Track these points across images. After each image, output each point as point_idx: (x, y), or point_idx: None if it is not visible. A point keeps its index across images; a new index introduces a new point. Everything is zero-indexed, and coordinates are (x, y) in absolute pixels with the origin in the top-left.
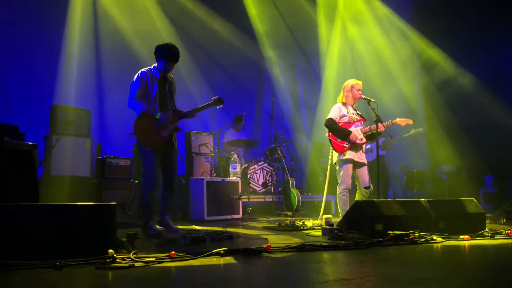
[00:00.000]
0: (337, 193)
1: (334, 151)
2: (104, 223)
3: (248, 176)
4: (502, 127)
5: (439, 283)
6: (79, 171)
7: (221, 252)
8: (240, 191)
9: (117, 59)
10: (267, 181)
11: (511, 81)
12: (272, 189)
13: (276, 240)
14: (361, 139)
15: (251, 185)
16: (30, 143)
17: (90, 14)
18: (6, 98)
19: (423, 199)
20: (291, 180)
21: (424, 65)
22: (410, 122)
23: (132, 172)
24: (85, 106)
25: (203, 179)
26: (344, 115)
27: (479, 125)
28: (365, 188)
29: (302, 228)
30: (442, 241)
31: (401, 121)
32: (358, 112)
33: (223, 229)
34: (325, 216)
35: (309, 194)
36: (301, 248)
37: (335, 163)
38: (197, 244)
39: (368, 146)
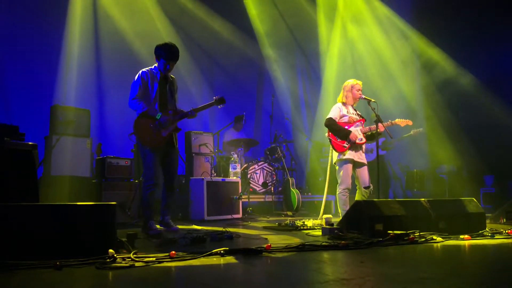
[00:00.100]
0: (337, 193)
1: (334, 151)
2: (104, 223)
3: (248, 176)
4: (502, 127)
5: (439, 283)
6: (79, 171)
7: (221, 252)
8: (240, 191)
9: (117, 59)
10: (267, 181)
11: (511, 81)
12: (272, 189)
13: (276, 240)
14: (361, 139)
15: (251, 185)
16: (30, 143)
17: (90, 14)
18: (6, 98)
19: (423, 199)
20: (291, 180)
21: (424, 65)
22: (410, 123)
23: (132, 172)
24: (85, 106)
25: (203, 179)
26: (344, 115)
27: (479, 125)
28: (365, 188)
29: (302, 228)
30: (442, 241)
31: (400, 121)
32: (358, 112)
33: (223, 229)
34: (325, 216)
35: (309, 194)
36: (301, 248)
37: (334, 163)
38: (197, 244)
39: (369, 146)
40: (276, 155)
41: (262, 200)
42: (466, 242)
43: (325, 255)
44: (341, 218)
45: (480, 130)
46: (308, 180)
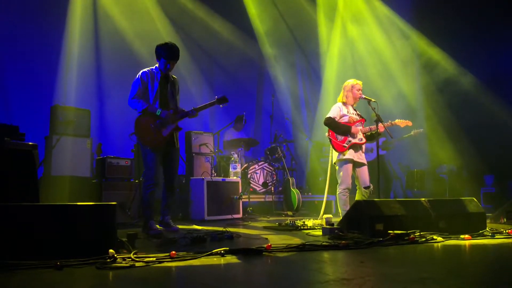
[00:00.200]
0: (337, 193)
1: (334, 150)
2: (105, 223)
3: (249, 176)
4: (503, 126)
5: (439, 283)
6: (79, 171)
7: (222, 252)
8: (240, 191)
9: (117, 59)
10: (268, 181)
11: (511, 80)
12: (273, 189)
13: (276, 240)
14: (361, 139)
15: (251, 185)
16: (30, 143)
17: (90, 14)
18: (6, 98)
19: (423, 199)
20: (292, 180)
21: (424, 65)
22: (410, 123)
23: (132, 172)
24: (85, 106)
25: (203, 179)
26: (344, 115)
27: (479, 125)
28: (365, 188)
29: (302, 228)
30: (443, 241)
31: (400, 122)
32: (358, 112)
33: (224, 229)
34: (325, 215)
35: (310, 193)
36: (301, 248)
37: (334, 163)
38: (198, 244)
39: (369, 145)
40: (276, 155)
41: (263, 200)
42: (467, 242)
43: (326, 255)
44: (341, 218)
45: (480, 129)
46: (308, 180)
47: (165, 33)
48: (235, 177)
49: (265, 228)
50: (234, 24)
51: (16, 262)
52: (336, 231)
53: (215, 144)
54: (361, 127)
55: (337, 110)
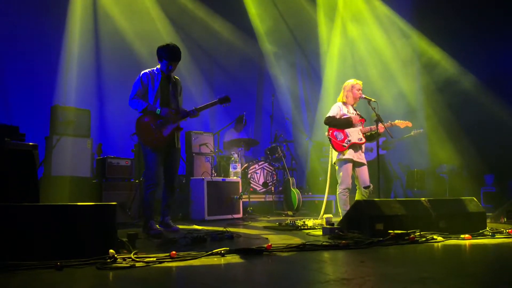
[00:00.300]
0: (337, 193)
1: (333, 150)
2: (105, 223)
3: (249, 175)
4: (503, 126)
5: (439, 283)
6: (79, 172)
7: (222, 252)
8: (240, 191)
9: (117, 59)
10: (268, 181)
11: (511, 80)
12: (273, 189)
13: (276, 239)
14: (361, 139)
15: (251, 184)
16: (30, 143)
17: (90, 14)
18: (6, 98)
19: (423, 199)
20: (292, 180)
21: (425, 64)
22: (409, 124)
23: (132, 172)
24: (85, 106)
25: (203, 179)
26: (344, 114)
27: (479, 124)
28: (364, 187)
29: (302, 227)
30: (443, 241)
31: (400, 123)
32: (358, 112)
33: (224, 229)
34: (325, 215)
35: (310, 193)
36: (301, 248)
37: (334, 163)
38: (198, 244)
39: (369, 145)
40: (277, 155)
41: (263, 200)
42: (467, 242)
43: (326, 254)
44: (341, 217)
45: (480, 129)
46: (309, 179)
47: (165, 33)
48: (235, 177)
49: (265, 228)
50: (234, 24)
51: (17, 262)
52: (336, 231)
53: (215, 144)
54: (361, 127)
55: (337, 109)
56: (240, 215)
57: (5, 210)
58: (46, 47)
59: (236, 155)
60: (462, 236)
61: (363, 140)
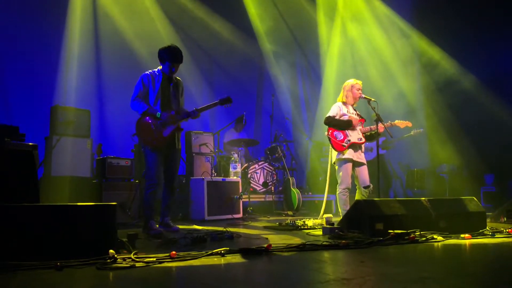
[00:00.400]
0: (337, 192)
1: (333, 150)
2: (105, 223)
3: (249, 175)
4: (503, 126)
5: (439, 283)
6: (79, 172)
7: (222, 252)
8: (240, 191)
9: (117, 59)
10: (268, 181)
11: (511, 80)
12: (273, 189)
13: (276, 239)
14: (360, 139)
15: (251, 184)
16: (30, 143)
17: (90, 14)
18: (6, 98)
19: (423, 198)
20: (292, 180)
21: (425, 64)
22: (409, 124)
23: (132, 172)
24: (85, 107)
25: (203, 179)
26: (344, 114)
27: (479, 124)
28: (364, 187)
29: (302, 227)
30: (443, 240)
31: (400, 123)
32: (358, 112)
33: (224, 229)
34: (325, 215)
35: (310, 193)
36: (301, 248)
37: (334, 163)
38: (198, 244)
39: (369, 144)
40: (277, 155)
41: (263, 199)
42: (467, 241)
43: (326, 254)
44: (341, 217)
45: (480, 129)
46: (309, 179)
47: (165, 33)
48: (235, 177)
49: (265, 228)
50: (234, 24)
51: (17, 262)
52: (336, 230)
53: (215, 144)
54: (360, 127)
55: (337, 109)
56: (240, 215)
57: (5, 210)
58: (46, 47)
59: (236, 155)
60: (462, 235)
61: (363, 140)
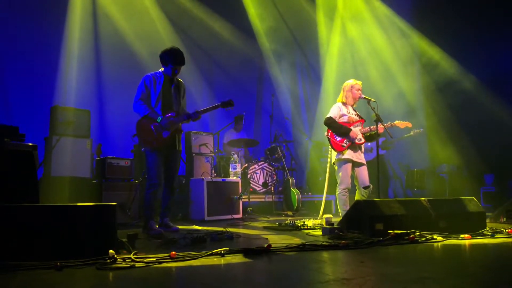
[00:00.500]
0: (337, 193)
1: (333, 150)
2: (105, 224)
3: (248, 176)
4: (503, 126)
5: (439, 283)
6: (79, 172)
7: (222, 252)
8: (240, 191)
9: (117, 60)
10: (267, 181)
11: (511, 80)
12: (272, 189)
13: (276, 240)
14: (360, 139)
15: (251, 185)
16: (30, 144)
17: (90, 14)
18: (6, 98)
19: (423, 198)
20: (291, 180)
21: (425, 64)
22: (409, 125)
23: (132, 172)
24: (85, 107)
25: (203, 179)
26: (343, 114)
27: (479, 124)
28: (364, 188)
29: (302, 227)
30: (443, 240)
31: (400, 123)
32: (357, 113)
33: (224, 229)
34: (325, 215)
35: (310, 193)
36: (301, 248)
37: (333, 163)
38: (198, 244)
39: (369, 145)
40: (276, 155)
41: (262, 200)
42: (467, 242)
43: (326, 255)
44: (341, 218)
45: (480, 129)
46: (308, 179)
47: (165, 33)
48: (235, 177)
49: (265, 228)
50: (234, 24)
51: (17, 263)
52: (336, 231)
53: (215, 144)
54: (360, 127)
55: (337, 109)
56: (240, 215)
57: (5, 211)
58: (46, 47)
59: (236, 155)
60: (462, 236)
61: (362, 140)
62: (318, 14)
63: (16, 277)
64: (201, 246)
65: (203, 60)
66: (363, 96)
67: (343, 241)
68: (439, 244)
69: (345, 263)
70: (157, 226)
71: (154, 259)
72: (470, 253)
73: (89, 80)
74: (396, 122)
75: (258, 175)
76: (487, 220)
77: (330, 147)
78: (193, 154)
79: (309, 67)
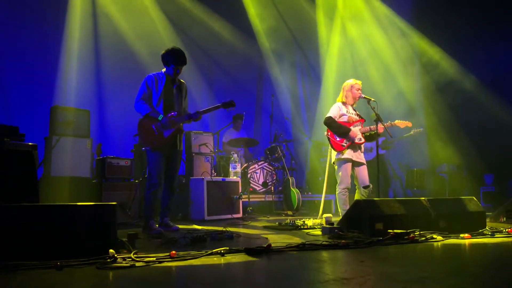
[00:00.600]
0: (337, 192)
1: (332, 150)
2: (105, 223)
3: (248, 175)
4: (503, 126)
5: (439, 282)
6: (79, 172)
7: (222, 251)
8: (240, 191)
9: (117, 60)
10: (267, 181)
11: (511, 80)
12: (272, 189)
13: (276, 239)
14: (360, 139)
15: (251, 184)
16: (30, 143)
17: (90, 14)
18: (6, 98)
19: (423, 198)
20: (291, 180)
21: (425, 64)
22: (409, 124)
23: (132, 172)
24: (85, 107)
25: (203, 178)
26: (343, 114)
27: (479, 124)
28: (364, 187)
29: (302, 227)
30: (443, 240)
31: (400, 123)
32: (357, 112)
33: (224, 229)
34: (325, 215)
35: (309, 193)
36: (301, 247)
37: (333, 163)
38: (198, 244)
39: (369, 144)
40: (276, 155)
41: (262, 199)
42: (466, 241)
43: (325, 254)
44: (341, 217)
45: (480, 129)
46: (308, 179)
47: (165, 33)
48: (235, 177)
49: (265, 227)
50: (234, 24)
51: (17, 262)
52: (336, 230)
53: (215, 144)
54: (360, 127)
55: (336, 109)
56: (240, 215)
57: (5, 210)
58: (46, 47)
59: (236, 155)
60: (461, 235)
61: (362, 140)
62: (318, 14)
63: (16, 276)
64: (201, 246)
65: (203, 60)
66: (363, 95)
67: (343, 241)
68: (439, 243)
69: (345, 262)
70: (157, 225)
71: (154, 259)
72: (470, 252)
73: (89, 80)
74: (396, 121)
75: (258, 174)
76: (487, 220)
77: (330, 147)
78: (193, 154)
79: (309, 67)
